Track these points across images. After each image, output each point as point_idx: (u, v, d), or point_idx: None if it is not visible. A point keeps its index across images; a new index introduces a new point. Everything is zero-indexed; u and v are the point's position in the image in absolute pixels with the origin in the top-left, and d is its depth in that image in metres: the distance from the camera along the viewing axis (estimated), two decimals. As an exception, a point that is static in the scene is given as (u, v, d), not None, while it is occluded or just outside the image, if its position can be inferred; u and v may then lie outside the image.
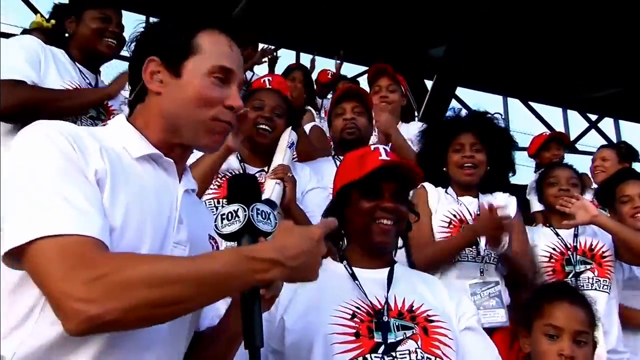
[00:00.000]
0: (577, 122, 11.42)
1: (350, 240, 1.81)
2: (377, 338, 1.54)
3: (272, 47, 5.66)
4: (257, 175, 2.40)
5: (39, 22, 3.68)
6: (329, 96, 5.58)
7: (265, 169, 2.44)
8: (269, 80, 2.99)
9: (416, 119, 4.59)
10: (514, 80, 9.78)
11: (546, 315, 1.91)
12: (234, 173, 2.38)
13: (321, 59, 8.24)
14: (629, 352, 2.72)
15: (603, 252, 2.79)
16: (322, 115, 4.86)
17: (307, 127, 3.60)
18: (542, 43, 8.03)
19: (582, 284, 2.69)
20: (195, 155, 2.09)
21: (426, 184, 2.67)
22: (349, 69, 9.96)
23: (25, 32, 3.91)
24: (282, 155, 2.37)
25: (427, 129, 2.93)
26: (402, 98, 3.52)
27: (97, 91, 2.62)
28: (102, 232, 1.07)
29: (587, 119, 11.38)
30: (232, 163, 2.43)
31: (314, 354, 1.53)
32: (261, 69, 5.87)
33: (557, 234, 2.85)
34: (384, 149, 1.79)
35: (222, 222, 1.23)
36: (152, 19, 2.69)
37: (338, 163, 2.68)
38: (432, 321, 1.60)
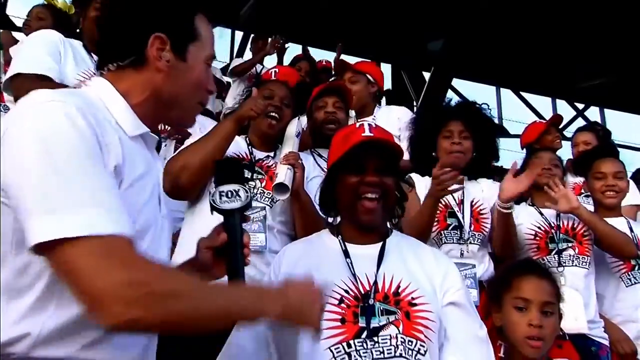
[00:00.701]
0: (564, 111, 11.41)
1: (342, 216, 1.79)
2: (362, 323, 1.54)
3: (281, 39, 5.63)
4: (264, 159, 2.43)
5: (63, 3, 3.59)
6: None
7: (271, 154, 2.46)
8: (275, 72, 3.02)
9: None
10: (506, 71, 9.74)
11: (515, 289, 1.92)
12: (241, 156, 2.40)
13: (324, 52, 8.29)
14: None
15: (584, 232, 2.81)
16: None
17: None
18: (532, 37, 8.01)
19: (564, 260, 2.72)
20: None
21: (413, 175, 2.69)
22: (351, 62, 9.93)
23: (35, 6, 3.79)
24: (291, 143, 2.38)
25: (419, 115, 2.94)
26: (369, 85, 3.41)
27: None
28: (131, 229, 1.03)
29: (575, 108, 11.33)
30: (241, 147, 2.44)
31: (303, 337, 1.52)
32: (270, 60, 5.89)
33: (541, 213, 2.87)
34: (369, 124, 1.76)
35: (220, 199, 1.27)
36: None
37: (315, 156, 2.72)
38: (415, 304, 1.59)
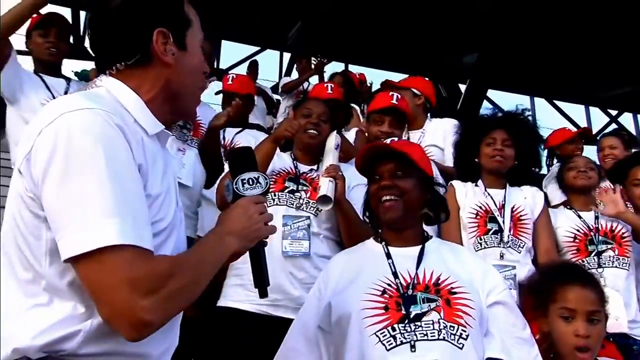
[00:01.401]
0: (598, 118, 11.08)
1: (379, 222, 1.81)
2: (404, 310, 1.53)
3: (324, 58, 5.70)
4: (308, 172, 2.44)
5: None
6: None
7: (315, 167, 2.47)
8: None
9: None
10: (540, 81, 9.55)
11: (559, 299, 1.82)
12: (287, 170, 2.42)
13: (365, 68, 8.31)
14: None
15: (623, 234, 2.71)
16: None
17: (353, 132, 3.54)
18: (564, 47, 7.83)
19: (604, 262, 2.63)
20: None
21: (454, 182, 2.64)
22: (391, 77, 9.92)
23: None
24: (331, 156, 2.39)
25: (464, 123, 2.90)
26: (415, 98, 3.28)
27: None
28: (151, 241, 1.01)
29: (608, 115, 10.97)
30: (286, 162, 2.47)
31: (351, 327, 1.54)
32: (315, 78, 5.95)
33: (580, 216, 2.78)
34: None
35: (243, 186, 1.28)
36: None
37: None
38: (455, 293, 1.57)
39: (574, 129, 4.45)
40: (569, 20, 6.99)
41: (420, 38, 8.10)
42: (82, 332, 1.00)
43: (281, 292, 2.14)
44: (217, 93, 3.86)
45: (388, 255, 1.69)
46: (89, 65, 3.92)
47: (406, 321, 1.51)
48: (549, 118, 11.47)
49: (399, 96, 2.87)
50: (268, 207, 1.35)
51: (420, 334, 1.49)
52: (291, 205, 2.30)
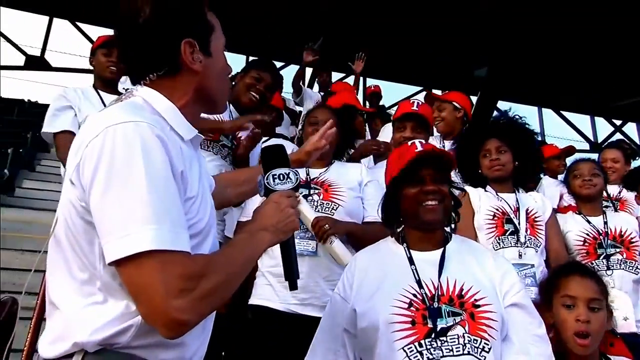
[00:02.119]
0: (603, 127, 10.91)
1: (406, 224, 1.73)
2: (430, 324, 1.49)
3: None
4: (318, 176, 2.39)
5: None
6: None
7: (324, 169, 2.42)
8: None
9: None
10: (547, 93, 9.48)
11: (562, 289, 1.84)
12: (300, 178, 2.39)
13: (382, 81, 8.30)
14: None
15: (631, 238, 2.64)
16: None
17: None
18: (570, 60, 7.76)
19: (612, 265, 2.57)
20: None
21: (468, 188, 2.57)
22: (407, 90, 9.92)
23: None
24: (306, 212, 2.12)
25: (459, 139, 2.85)
26: (455, 112, 3.27)
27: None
28: (189, 245, 1.01)
29: (613, 124, 10.79)
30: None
31: (379, 339, 1.50)
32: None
33: (589, 222, 2.73)
34: (420, 141, 1.72)
35: (274, 181, 1.27)
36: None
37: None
38: (479, 306, 1.52)
39: (558, 148, 4.40)
40: (575, 35, 6.92)
41: (433, 53, 8.10)
42: (134, 327, 1.02)
43: (309, 291, 2.11)
44: None
45: (411, 261, 1.64)
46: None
47: (433, 335, 1.47)
48: (556, 128, 11.38)
49: (420, 103, 2.86)
50: None
51: (446, 349, 1.45)
52: None
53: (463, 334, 1.47)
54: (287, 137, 4.60)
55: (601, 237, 2.66)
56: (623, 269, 2.57)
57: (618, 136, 10.61)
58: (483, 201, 2.50)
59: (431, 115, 2.99)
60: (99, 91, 3.08)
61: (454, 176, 2.24)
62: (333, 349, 1.62)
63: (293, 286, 1.29)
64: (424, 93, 9.72)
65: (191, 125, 1.18)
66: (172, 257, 0.96)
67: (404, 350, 1.47)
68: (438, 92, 10.07)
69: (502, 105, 9.01)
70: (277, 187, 1.26)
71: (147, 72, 1.16)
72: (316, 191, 2.33)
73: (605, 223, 2.69)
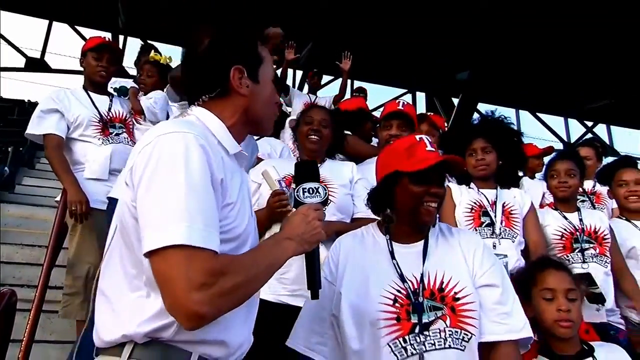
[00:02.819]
0: (575, 128, 11.02)
1: (398, 218, 1.65)
2: (414, 319, 1.46)
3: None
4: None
5: (152, 56, 3.63)
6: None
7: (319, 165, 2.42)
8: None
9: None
10: (524, 95, 9.55)
11: (540, 282, 1.85)
12: (292, 174, 2.35)
13: (372, 84, 8.27)
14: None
15: (604, 235, 2.66)
16: None
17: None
18: (547, 66, 7.84)
19: (587, 258, 2.59)
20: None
21: (451, 184, 2.55)
22: (391, 92, 9.93)
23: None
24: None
25: (446, 138, 2.85)
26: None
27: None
28: (218, 246, 1.02)
29: (584, 125, 10.90)
30: (292, 163, 2.40)
31: (365, 334, 1.49)
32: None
33: (566, 217, 2.74)
34: (427, 139, 1.63)
35: (304, 194, 1.28)
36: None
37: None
38: (459, 299, 1.49)
39: (539, 148, 4.41)
40: (550, 42, 6.98)
41: (418, 58, 8.12)
42: (176, 323, 1.03)
43: (299, 282, 2.06)
44: None
45: (392, 255, 1.60)
46: (127, 82, 3.97)
47: (416, 330, 1.45)
48: (532, 128, 11.47)
49: (405, 102, 2.85)
50: None
51: (428, 344, 1.43)
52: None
53: (444, 327, 1.45)
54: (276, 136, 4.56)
55: (577, 232, 2.67)
56: (596, 262, 2.59)
57: (589, 136, 10.73)
58: (464, 196, 2.51)
59: (415, 114, 2.98)
60: (89, 92, 3.05)
61: None
62: (318, 332, 1.59)
63: (315, 295, 1.28)
64: (408, 95, 9.80)
65: (237, 142, 1.24)
66: (198, 253, 0.97)
67: (389, 346, 1.45)
68: (421, 94, 10.16)
69: (482, 106, 9.10)
70: (306, 200, 1.28)
71: (202, 94, 1.25)
72: None
73: (581, 220, 2.70)
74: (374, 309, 1.49)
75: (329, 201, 2.24)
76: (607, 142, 10.89)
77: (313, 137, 2.41)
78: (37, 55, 8.88)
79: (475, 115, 8.50)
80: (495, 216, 2.46)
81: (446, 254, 1.61)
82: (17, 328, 1.98)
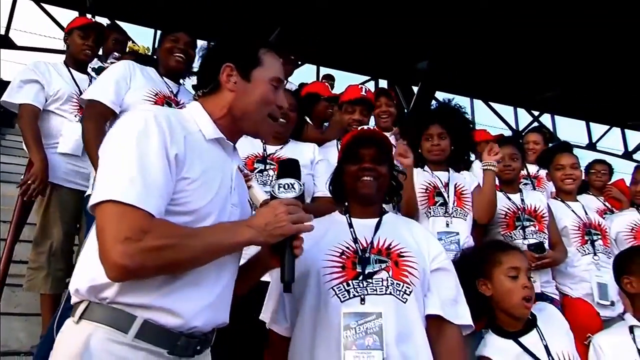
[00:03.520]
0: (523, 117, 11.34)
1: (349, 197, 1.75)
2: (358, 269, 1.52)
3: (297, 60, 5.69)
4: (275, 152, 2.37)
5: (130, 46, 3.74)
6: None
7: (280, 147, 2.39)
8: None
9: None
10: (478, 86, 9.74)
11: (505, 262, 1.87)
12: (257, 153, 2.33)
13: (337, 71, 8.22)
14: None
15: (543, 214, 2.79)
16: None
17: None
18: (499, 59, 8.00)
19: (528, 235, 2.71)
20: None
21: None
22: (353, 79, 9.93)
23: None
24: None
25: (405, 121, 2.90)
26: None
27: None
28: (157, 209, 1.05)
29: (532, 115, 11.23)
30: (256, 146, 2.35)
31: (311, 281, 1.53)
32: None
33: (509, 198, 2.84)
34: (368, 127, 1.76)
35: (279, 189, 1.26)
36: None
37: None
38: (403, 256, 1.56)
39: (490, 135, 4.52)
40: (503, 35, 7.11)
41: (381, 47, 8.15)
42: (116, 284, 1.05)
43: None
44: None
45: (350, 225, 1.67)
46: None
47: (360, 278, 1.50)
48: (484, 116, 11.71)
49: (367, 89, 2.89)
50: None
51: (370, 289, 1.48)
52: (260, 183, 2.20)
53: (387, 277, 1.51)
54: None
55: (519, 211, 2.78)
56: (535, 238, 2.71)
57: (536, 124, 11.06)
58: (419, 178, 2.57)
59: (373, 99, 3.03)
60: (70, 68, 2.97)
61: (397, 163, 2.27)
62: (281, 302, 1.63)
63: (286, 288, 1.25)
64: (371, 82, 9.81)
65: (223, 134, 1.28)
66: (131, 211, 1.01)
67: (333, 290, 1.50)
68: (384, 82, 10.23)
69: (440, 95, 9.25)
70: (280, 195, 1.25)
71: (199, 89, 1.34)
72: (272, 166, 2.31)
73: (522, 200, 2.81)
74: (320, 259, 1.55)
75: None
76: (551, 129, 11.27)
77: (281, 120, 2.39)
78: (2, 31, 8.39)
79: (434, 103, 8.66)
80: (448, 196, 2.54)
81: (397, 229, 1.69)
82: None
